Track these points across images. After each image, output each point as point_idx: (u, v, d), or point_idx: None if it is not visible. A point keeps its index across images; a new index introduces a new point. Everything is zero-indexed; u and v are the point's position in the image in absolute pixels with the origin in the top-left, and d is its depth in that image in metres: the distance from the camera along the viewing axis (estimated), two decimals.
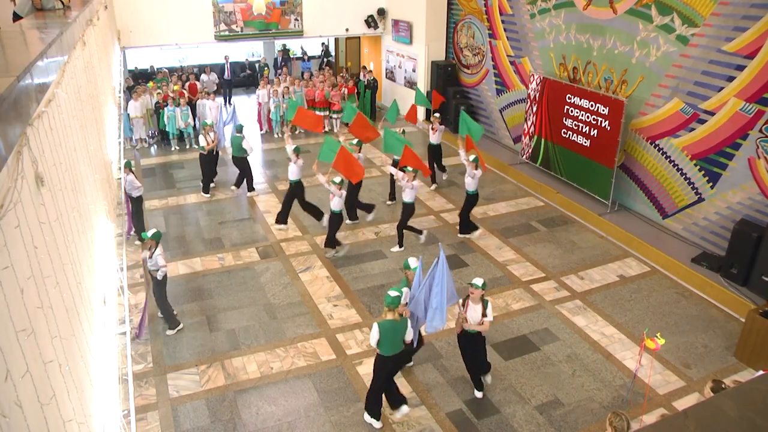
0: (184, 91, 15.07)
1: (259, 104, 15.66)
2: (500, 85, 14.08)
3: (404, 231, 9.67)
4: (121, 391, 4.96)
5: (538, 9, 12.33)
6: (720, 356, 7.31)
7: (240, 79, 20.17)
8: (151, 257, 7.41)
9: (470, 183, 9.75)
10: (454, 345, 7.41)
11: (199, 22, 15.42)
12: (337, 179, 9.07)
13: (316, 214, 10.36)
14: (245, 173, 11.76)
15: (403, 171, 9.31)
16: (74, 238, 3.56)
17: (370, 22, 16.99)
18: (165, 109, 14.10)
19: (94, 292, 4.25)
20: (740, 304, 7.98)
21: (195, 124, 14.51)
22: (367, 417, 6.23)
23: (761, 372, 6.08)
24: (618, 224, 10.17)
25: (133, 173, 9.21)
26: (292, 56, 20.43)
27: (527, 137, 12.68)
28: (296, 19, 16.33)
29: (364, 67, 17.49)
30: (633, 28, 10.12)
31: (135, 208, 9.57)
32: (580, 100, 11.00)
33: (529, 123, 12.50)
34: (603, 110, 10.50)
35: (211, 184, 11.95)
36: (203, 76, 16.72)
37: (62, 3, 6.12)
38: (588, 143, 10.99)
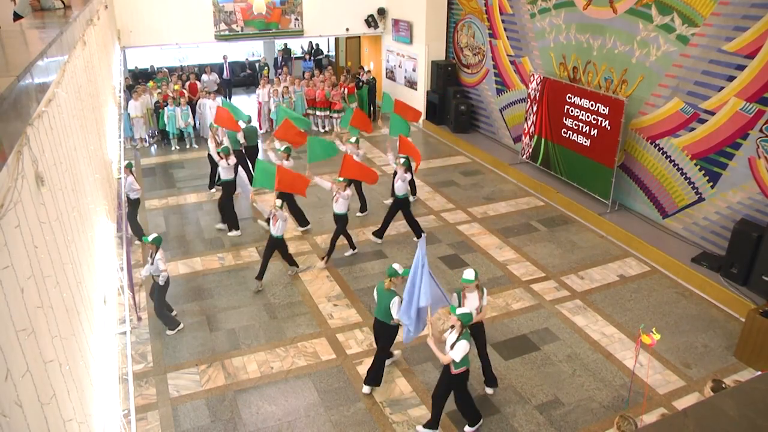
0: (185, 91, 15.07)
1: (260, 104, 15.68)
2: (500, 84, 14.08)
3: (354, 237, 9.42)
4: (121, 390, 4.96)
5: (538, 9, 12.32)
6: (720, 356, 7.31)
7: (240, 78, 20.18)
8: (152, 262, 7.42)
9: (399, 187, 9.44)
10: None
11: (199, 21, 15.42)
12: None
13: (301, 220, 10.39)
14: (245, 167, 11.77)
15: (335, 182, 9.10)
16: (74, 238, 3.56)
17: (370, 21, 16.99)
18: (165, 108, 14.10)
19: (94, 291, 4.25)
20: (740, 303, 7.98)
21: (195, 124, 14.52)
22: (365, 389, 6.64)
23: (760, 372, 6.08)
24: (618, 224, 10.17)
25: (133, 175, 9.21)
26: (292, 56, 20.41)
27: (527, 137, 12.67)
28: (296, 19, 16.33)
29: (362, 67, 17.49)
30: (633, 27, 10.11)
31: (131, 210, 9.54)
32: (581, 99, 11.00)
33: (530, 123, 12.50)
34: (603, 110, 10.50)
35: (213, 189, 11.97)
36: (204, 76, 16.73)
37: (62, 2, 6.11)
38: (588, 143, 10.99)
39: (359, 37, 18.75)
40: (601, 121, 10.58)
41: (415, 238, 9.86)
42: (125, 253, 5.96)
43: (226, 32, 15.79)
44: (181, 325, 7.76)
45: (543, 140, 12.17)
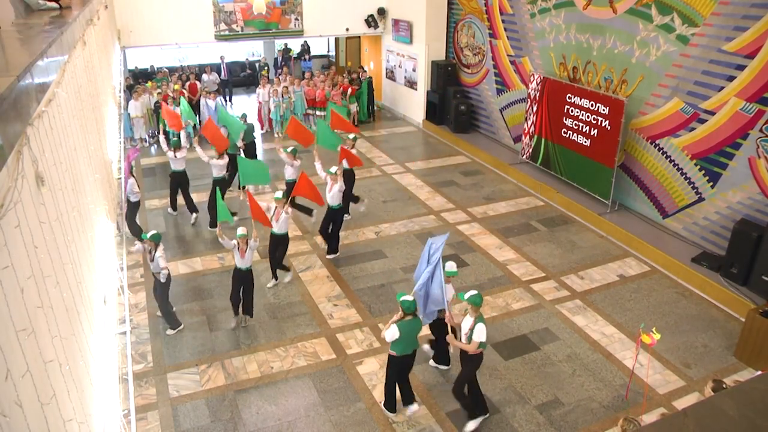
0: (185, 91, 15.07)
1: (260, 104, 15.68)
2: (500, 84, 14.08)
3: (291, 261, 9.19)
4: (121, 390, 4.96)
5: (538, 8, 12.32)
6: (720, 356, 7.30)
7: (240, 78, 20.18)
8: (152, 260, 7.42)
9: (333, 197, 9.06)
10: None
11: (199, 21, 15.42)
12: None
13: (307, 210, 10.40)
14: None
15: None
16: (74, 238, 3.56)
17: (370, 21, 16.99)
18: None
19: (94, 291, 4.25)
20: (740, 303, 7.98)
21: (195, 124, 14.51)
22: (383, 408, 6.42)
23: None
24: (618, 224, 10.17)
25: (134, 177, 9.22)
26: (291, 56, 20.39)
27: (527, 137, 12.67)
28: (296, 19, 16.33)
29: (362, 67, 17.49)
30: (633, 27, 10.11)
31: (130, 212, 9.53)
32: (581, 99, 11.00)
33: (530, 122, 12.50)
34: (603, 110, 10.49)
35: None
36: (204, 76, 16.73)
37: (58, 3, 6.03)
38: (588, 143, 10.99)
39: (359, 37, 18.75)
40: (601, 121, 10.58)
41: (329, 256, 9.41)
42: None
43: (226, 32, 15.79)
44: (182, 326, 7.76)
45: (543, 140, 12.17)
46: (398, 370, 6.17)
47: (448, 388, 6.72)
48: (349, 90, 15.80)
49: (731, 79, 8.62)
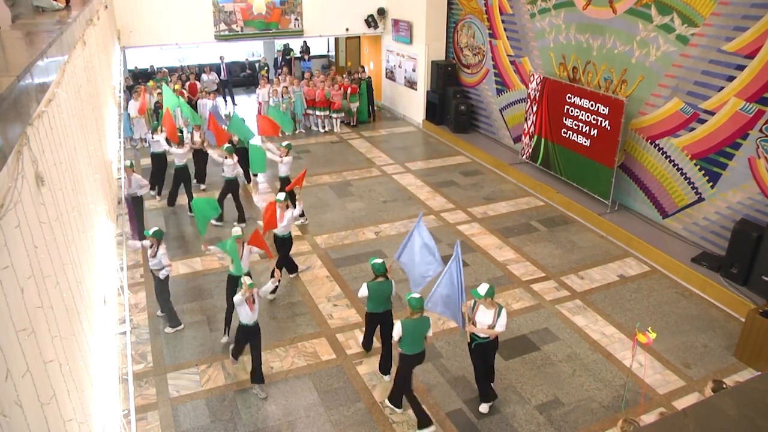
0: (184, 91, 15.07)
1: (260, 104, 15.68)
2: (500, 84, 14.08)
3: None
4: (121, 390, 4.96)
5: (538, 9, 12.33)
6: (720, 356, 7.31)
7: (240, 78, 20.18)
8: (154, 256, 7.42)
9: (284, 227, 8.44)
10: (455, 345, 7.43)
11: (199, 21, 15.43)
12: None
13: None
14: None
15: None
16: (74, 238, 3.56)
17: (370, 21, 16.99)
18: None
19: (94, 291, 4.25)
20: (740, 303, 7.99)
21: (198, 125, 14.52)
22: (387, 402, 6.46)
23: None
24: (618, 224, 10.17)
25: (135, 173, 9.25)
26: (292, 56, 20.38)
27: (527, 137, 12.67)
28: (296, 19, 16.33)
29: (362, 67, 17.50)
30: (633, 27, 10.11)
31: (137, 209, 9.52)
32: (580, 99, 11.00)
33: (529, 123, 12.50)
34: (603, 110, 10.50)
35: (201, 186, 12.17)
36: (203, 76, 16.73)
37: (52, 2, 6.01)
38: (588, 143, 10.99)
39: (359, 37, 18.76)
40: (601, 121, 10.58)
41: (291, 275, 8.92)
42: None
43: (226, 32, 15.79)
44: (182, 325, 7.76)
45: (543, 140, 12.17)
46: (409, 367, 6.16)
47: (449, 389, 6.74)
48: (349, 90, 15.81)
49: (731, 79, 8.62)
